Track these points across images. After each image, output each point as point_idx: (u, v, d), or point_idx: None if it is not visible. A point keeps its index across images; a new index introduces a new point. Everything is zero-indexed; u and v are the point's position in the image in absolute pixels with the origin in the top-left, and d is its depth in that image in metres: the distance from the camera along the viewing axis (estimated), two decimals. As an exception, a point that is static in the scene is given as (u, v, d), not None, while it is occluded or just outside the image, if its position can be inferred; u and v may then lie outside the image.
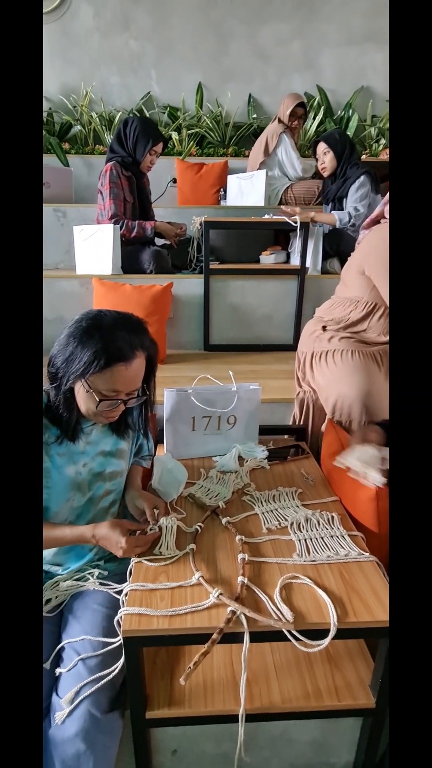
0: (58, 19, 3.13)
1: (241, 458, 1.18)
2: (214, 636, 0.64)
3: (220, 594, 0.70)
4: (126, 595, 0.73)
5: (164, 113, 3.33)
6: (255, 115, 3.31)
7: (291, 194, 2.54)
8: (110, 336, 0.77)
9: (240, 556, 0.79)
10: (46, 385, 0.86)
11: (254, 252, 2.21)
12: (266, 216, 1.99)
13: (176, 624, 0.67)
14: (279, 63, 3.26)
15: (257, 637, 0.68)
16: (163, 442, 1.19)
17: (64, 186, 2.64)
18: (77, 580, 0.90)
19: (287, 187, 2.55)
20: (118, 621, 0.71)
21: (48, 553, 0.91)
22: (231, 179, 2.51)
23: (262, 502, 0.99)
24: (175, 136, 3.19)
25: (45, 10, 3.10)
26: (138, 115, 2.97)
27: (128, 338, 0.78)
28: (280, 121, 2.60)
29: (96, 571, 0.91)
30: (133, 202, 2.10)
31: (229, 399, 1.16)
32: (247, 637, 0.65)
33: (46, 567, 0.93)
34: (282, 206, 2.08)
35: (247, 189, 2.45)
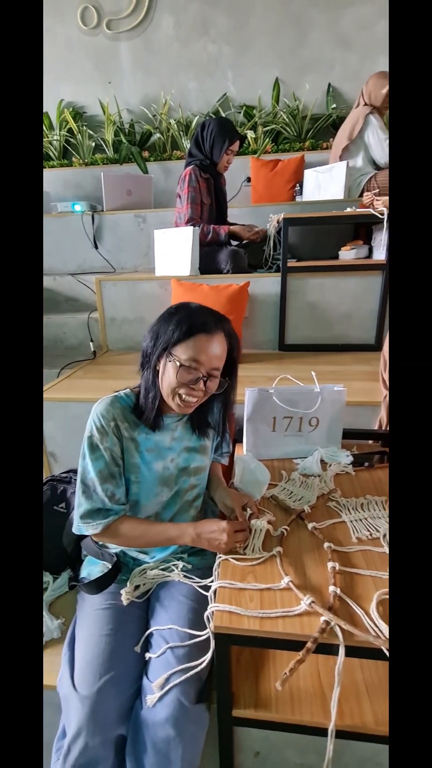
0: (141, 34, 3.28)
1: (323, 462, 1.13)
2: (309, 645, 0.62)
3: (312, 602, 0.68)
4: (215, 591, 0.74)
5: (240, 113, 3.33)
6: (334, 105, 3.18)
7: (374, 184, 2.39)
8: (194, 313, 0.84)
9: (330, 564, 0.76)
10: (138, 384, 0.91)
11: (332, 248, 2.12)
12: (348, 209, 1.90)
13: (267, 626, 0.66)
14: (361, 48, 3.09)
15: (351, 651, 0.64)
16: (241, 442, 1.19)
17: (144, 193, 2.76)
18: (163, 569, 0.94)
19: (370, 177, 2.41)
20: (207, 616, 0.72)
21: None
22: (308, 173, 2.43)
23: (349, 510, 0.94)
24: (250, 135, 3.18)
25: (129, 27, 3.27)
26: (214, 117, 3.02)
27: (211, 316, 0.84)
28: (366, 103, 2.45)
29: (180, 564, 0.94)
30: (210, 204, 2.13)
31: (312, 400, 1.13)
32: (342, 651, 0.62)
33: (134, 554, 0.98)
34: (366, 193, 1.94)
35: (325, 182, 2.35)
